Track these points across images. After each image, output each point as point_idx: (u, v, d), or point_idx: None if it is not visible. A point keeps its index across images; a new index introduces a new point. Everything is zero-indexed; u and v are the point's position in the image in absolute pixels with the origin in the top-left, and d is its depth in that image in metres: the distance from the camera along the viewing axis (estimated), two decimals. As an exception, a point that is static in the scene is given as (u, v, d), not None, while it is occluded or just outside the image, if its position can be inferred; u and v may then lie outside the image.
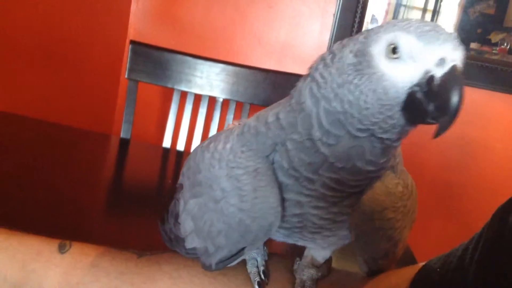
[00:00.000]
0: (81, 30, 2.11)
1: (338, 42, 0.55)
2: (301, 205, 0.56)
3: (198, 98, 1.77)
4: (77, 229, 1.01)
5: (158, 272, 0.59)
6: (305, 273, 0.62)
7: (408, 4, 2.27)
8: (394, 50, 0.48)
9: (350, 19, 2.21)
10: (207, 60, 1.76)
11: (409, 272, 0.56)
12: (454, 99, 0.46)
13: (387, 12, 2.29)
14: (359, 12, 2.21)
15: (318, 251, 0.65)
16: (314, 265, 0.65)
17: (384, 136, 0.51)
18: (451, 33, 0.49)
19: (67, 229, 0.98)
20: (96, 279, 0.59)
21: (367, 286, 0.61)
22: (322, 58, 0.54)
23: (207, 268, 0.59)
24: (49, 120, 1.67)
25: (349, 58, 0.51)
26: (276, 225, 0.55)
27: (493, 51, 2.23)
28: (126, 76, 1.74)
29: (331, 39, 2.24)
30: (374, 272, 0.63)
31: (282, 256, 0.66)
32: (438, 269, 0.51)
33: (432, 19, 2.27)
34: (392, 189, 0.56)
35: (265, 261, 0.63)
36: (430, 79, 0.47)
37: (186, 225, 0.60)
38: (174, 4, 2.29)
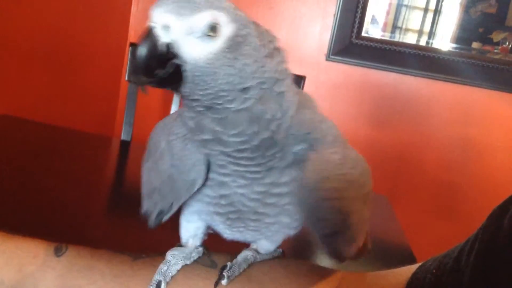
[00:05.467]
0: (82, 33, 2.12)
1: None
2: (228, 185, 0.58)
3: (198, 99, 1.77)
4: (77, 231, 1.01)
5: (152, 275, 0.60)
6: (241, 254, 0.64)
7: (409, 4, 2.27)
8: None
9: (350, 19, 2.21)
10: (207, 61, 1.76)
11: (406, 272, 0.56)
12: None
13: (387, 13, 2.28)
14: (359, 12, 2.20)
15: (262, 242, 0.66)
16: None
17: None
18: None
19: (68, 232, 0.98)
20: (92, 281, 0.59)
21: (362, 286, 0.60)
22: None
23: (150, 226, 0.66)
24: (49, 123, 1.68)
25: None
26: (198, 183, 0.58)
27: (495, 51, 2.22)
28: (126, 78, 1.74)
29: (331, 39, 2.24)
30: (341, 259, 0.61)
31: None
32: (434, 271, 0.51)
33: (433, 19, 2.26)
34: (330, 158, 0.56)
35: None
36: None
37: (142, 189, 0.68)
38: (174, 6, 2.29)
